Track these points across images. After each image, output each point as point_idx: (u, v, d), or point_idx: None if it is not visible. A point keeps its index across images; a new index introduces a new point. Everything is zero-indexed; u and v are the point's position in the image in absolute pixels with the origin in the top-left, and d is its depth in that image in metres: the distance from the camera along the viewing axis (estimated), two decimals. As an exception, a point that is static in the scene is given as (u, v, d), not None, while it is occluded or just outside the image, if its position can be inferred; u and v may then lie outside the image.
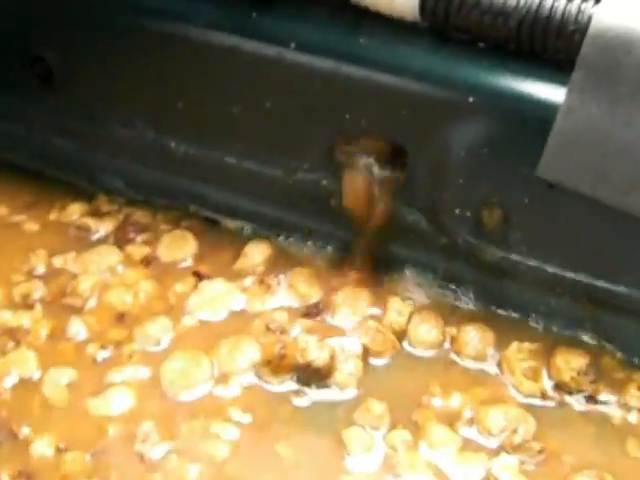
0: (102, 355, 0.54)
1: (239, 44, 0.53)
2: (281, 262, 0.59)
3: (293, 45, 0.51)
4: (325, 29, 0.52)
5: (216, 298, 0.57)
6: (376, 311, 0.56)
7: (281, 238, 0.60)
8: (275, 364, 0.52)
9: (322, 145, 0.55)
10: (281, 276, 0.58)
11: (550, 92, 0.47)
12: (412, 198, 0.55)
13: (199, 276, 0.58)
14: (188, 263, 0.60)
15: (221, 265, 0.59)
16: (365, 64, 0.50)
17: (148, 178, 0.63)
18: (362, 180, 0.54)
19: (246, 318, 0.56)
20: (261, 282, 0.57)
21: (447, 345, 0.55)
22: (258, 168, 0.58)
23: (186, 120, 0.58)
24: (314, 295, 0.57)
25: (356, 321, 0.55)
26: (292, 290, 0.57)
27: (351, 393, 0.52)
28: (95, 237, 0.61)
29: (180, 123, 0.59)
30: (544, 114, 0.46)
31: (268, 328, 0.55)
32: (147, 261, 0.59)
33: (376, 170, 0.54)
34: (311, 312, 0.56)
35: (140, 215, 0.63)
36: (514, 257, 0.53)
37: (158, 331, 0.55)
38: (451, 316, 0.56)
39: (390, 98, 0.50)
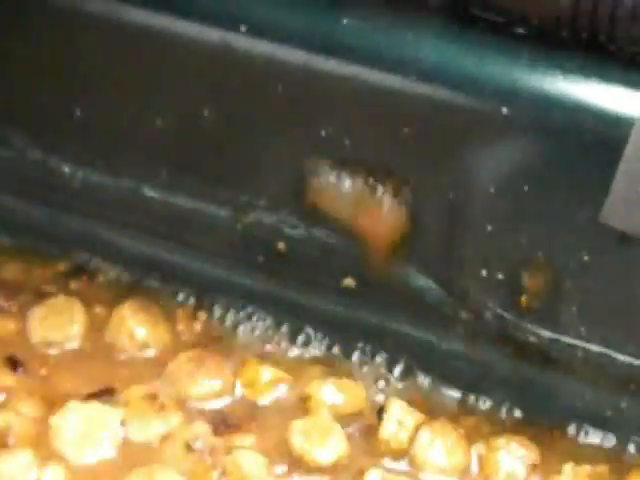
0: None
1: (166, 25, 0.51)
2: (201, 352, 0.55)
3: (243, 28, 0.50)
4: (292, 4, 0.50)
5: (94, 424, 0.52)
6: (363, 420, 0.53)
7: (218, 311, 0.58)
8: (217, 499, 0.49)
9: (287, 174, 0.53)
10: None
11: (621, 100, 0.45)
12: (419, 254, 0.52)
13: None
14: (73, 346, 0.56)
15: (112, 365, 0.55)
16: (350, 57, 0.49)
17: (27, 217, 0.61)
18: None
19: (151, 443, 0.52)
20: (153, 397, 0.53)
21: (474, 469, 0.52)
22: (191, 205, 0.56)
23: (86, 135, 0.56)
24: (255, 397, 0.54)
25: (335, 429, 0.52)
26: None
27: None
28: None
29: (77, 139, 0.57)
30: (611, 132, 0.45)
31: (189, 448, 0.52)
32: (11, 344, 0.55)
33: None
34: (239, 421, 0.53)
35: (11, 270, 0.60)
36: (568, 340, 0.51)
37: (17, 470, 0.50)
38: (476, 427, 0.54)
39: (386, 107, 0.49)
